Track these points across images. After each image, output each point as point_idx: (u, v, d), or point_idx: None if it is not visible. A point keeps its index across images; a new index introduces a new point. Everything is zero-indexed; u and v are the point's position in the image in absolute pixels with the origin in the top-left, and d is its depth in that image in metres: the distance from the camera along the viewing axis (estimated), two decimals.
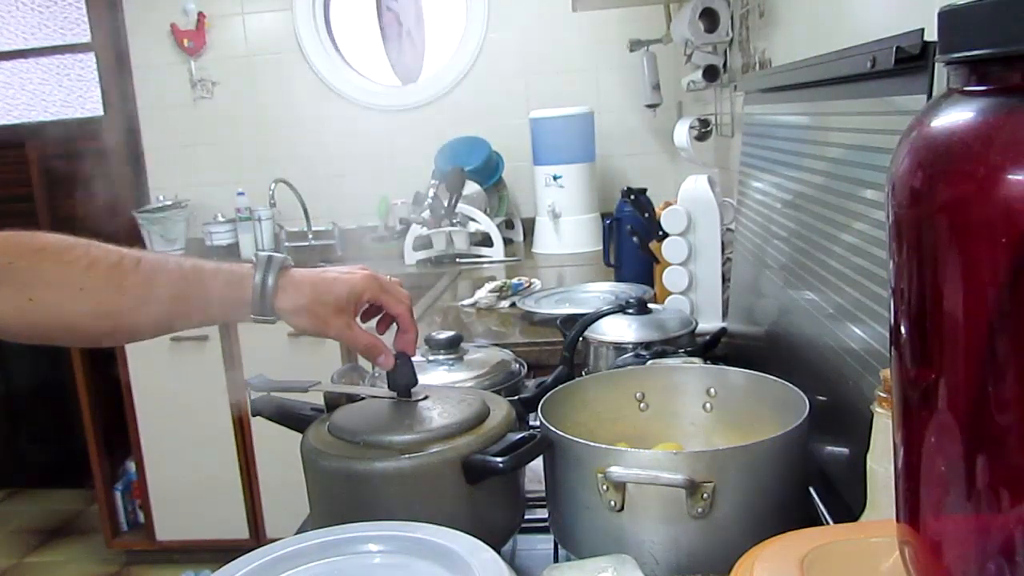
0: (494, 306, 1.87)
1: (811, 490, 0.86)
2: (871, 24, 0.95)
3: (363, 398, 0.88)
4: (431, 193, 2.59)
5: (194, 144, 3.11)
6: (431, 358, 1.11)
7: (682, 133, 2.08)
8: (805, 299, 0.99)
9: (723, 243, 1.48)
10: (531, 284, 1.99)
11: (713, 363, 1.02)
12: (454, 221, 2.59)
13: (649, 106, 2.55)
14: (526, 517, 0.84)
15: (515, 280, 1.98)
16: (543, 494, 0.83)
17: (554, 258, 2.56)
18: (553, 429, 0.77)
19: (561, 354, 1.14)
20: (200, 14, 3.00)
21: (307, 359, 2.41)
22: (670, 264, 1.48)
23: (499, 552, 0.63)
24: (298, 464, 0.81)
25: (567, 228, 2.60)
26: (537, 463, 0.81)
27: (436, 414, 0.80)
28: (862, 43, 0.82)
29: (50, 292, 0.74)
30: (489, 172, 2.76)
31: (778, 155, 1.16)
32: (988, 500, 0.37)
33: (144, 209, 3.02)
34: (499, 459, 0.73)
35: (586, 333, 1.19)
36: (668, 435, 0.91)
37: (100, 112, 3.17)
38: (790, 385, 0.82)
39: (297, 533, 0.77)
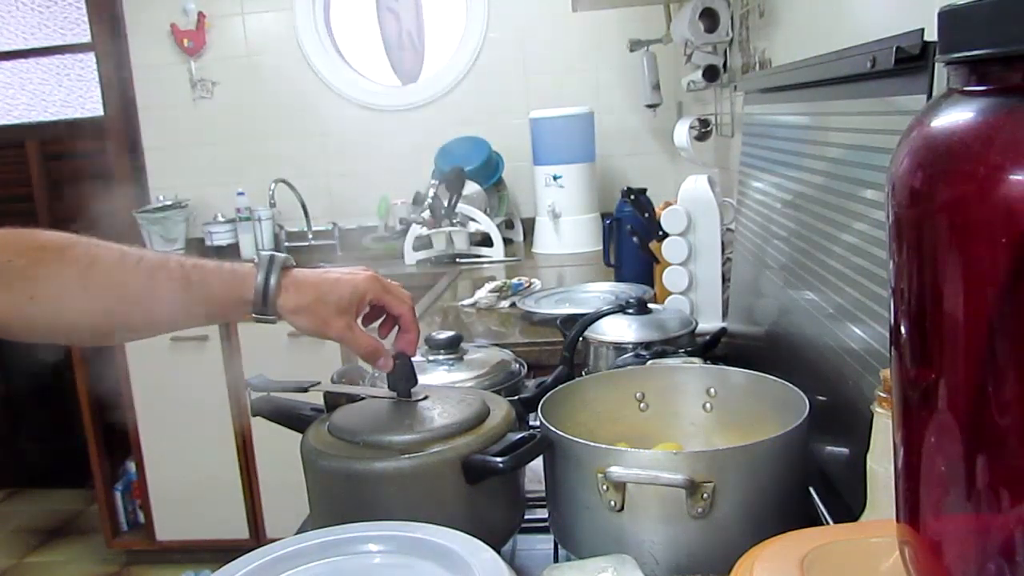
0: (494, 306, 1.87)
1: (811, 490, 0.86)
2: (871, 24, 0.95)
3: (363, 398, 0.88)
4: (431, 193, 2.59)
5: (194, 144, 3.11)
6: (431, 358, 1.11)
7: (682, 133, 2.08)
8: (805, 299, 0.99)
9: (723, 243, 1.48)
10: (531, 284, 1.99)
11: (713, 363, 1.02)
12: (454, 221, 2.59)
13: (649, 106, 2.55)
14: (526, 517, 0.84)
15: (515, 280, 1.98)
16: (543, 494, 0.83)
17: (554, 258, 2.56)
18: (553, 429, 0.77)
19: (561, 354, 1.14)
20: (200, 14, 3.00)
21: (307, 359, 2.40)
22: (670, 264, 1.48)
23: (499, 552, 0.63)
24: (298, 464, 0.81)
25: (567, 228, 2.60)
26: (537, 463, 0.81)
27: (436, 414, 0.80)
28: (862, 43, 0.82)
29: (51, 291, 0.73)
30: (489, 172, 2.76)
31: (778, 155, 1.16)
32: (988, 500, 0.37)
33: (144, 209, 3.02)
34: (499, 459, 0.73)
35: (586, 333, 1.19)
36: (668, 435, 0.91)
37: (100, 112, 3.17)
38: (790, 385, 0.82)
39: (297, 533, 0.77)
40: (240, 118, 3.07)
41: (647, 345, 1.16)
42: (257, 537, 2.65)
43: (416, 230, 2.64)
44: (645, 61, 2.49)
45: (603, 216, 2.12)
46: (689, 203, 1.46)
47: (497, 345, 1.28)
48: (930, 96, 0.69)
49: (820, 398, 0.86)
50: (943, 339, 0.38)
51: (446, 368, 1.10)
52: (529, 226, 2.80)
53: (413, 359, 0.86)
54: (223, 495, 2.64)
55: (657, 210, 1.60)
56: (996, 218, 0.34)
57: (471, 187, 2.67)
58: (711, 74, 1.86)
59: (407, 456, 0.74)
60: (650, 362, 1.03)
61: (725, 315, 1.46)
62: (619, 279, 1.80)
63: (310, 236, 3.05)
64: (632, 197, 1.61)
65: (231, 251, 3.00)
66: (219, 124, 3.08)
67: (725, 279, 1.48)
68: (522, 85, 2.95)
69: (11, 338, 0.74)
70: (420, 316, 1.83)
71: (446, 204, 2.58)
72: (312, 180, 3.05)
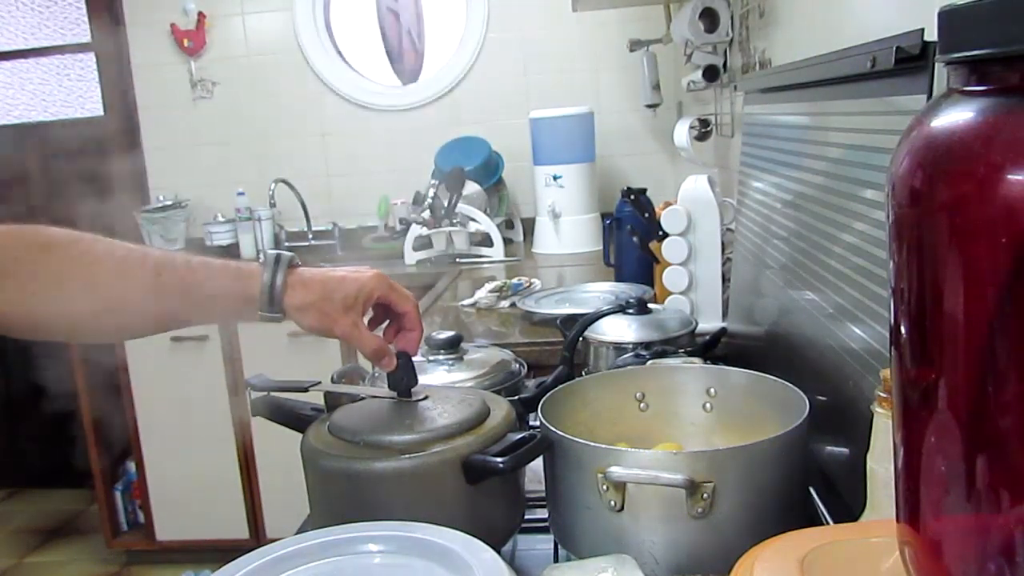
0: (494, 306, 1.87)
1: (811, 490, 0.86)
2: (871, 24, 0.95)
3: (363, 398, 0.88)
4: (431, 193, 2.60)
5: (194, 144, 3.11)
6: (431, 358, 1.11)
7: (682, 133, 2.08)
8: (805, 299, 0.99)
9: (723, 243, 1.48)
10: (531, 284, 1.99)
11: (713, 363, 1.02)
12: (454, 221, 2.59)
13: (649, 106, 2.55)
14: (526, 517, 0.84)
15: (515, 280, 1.98)
16: (543, 494, 0.83)
17: (554, 258, 2.56)
18: (553, 429, 0.77)
19: (561, 354, 1.14)
20: (200, 14, 3.00)
21: (307, 359, 2.41)
22: (670, 264, 1.48)
23: (499, 552, 0.63)
24: (298, 464, 0.81)
25: (567, 228, 2.60)
26: (537, 463, 0.81)
27: (436, 414, 0.80)
28: (862, 43, 0.82)
29: (54, 287, 0.73)
30: (489, 172, 2.76)
31: (778, 155, 1.16)
32: (988, 500, 0.37)
33: (144, 209, 3.02)
34: (499, 459, 0.73)
35: (586, 333, 1.19)
36: (668, 435, 0.91)
37: (100, 112, 3.17)
38: (790, 385, 0.82)
39: (297, 533, 0.77)
40: (240, 118, 3.07)
41: (647, 345, 1.16)
42: (257, 537, 2.65)
43: (416, 230, 2.64)
44: (645, 61, 2.49)
45: (603, 216, 2.12)
46: (689, 203, 1.46)
47: (497, 345, 1.28)
48: (930, 96, 0.69)
49: (820, 398, 0.86)
50: (943, 339, 0.38)
51: (446, 368, 1.10)
52: (529, 226, 2.80)
53: (413, 359, 0.86)
54: (223, 495, 2.64)
55: (657, 210, 1.60)
56: (996, 218, 0.34)
57: (471, 187, 2.67)
58: (711, 74, 1.86)
59: (407, 456, 0.74)
60: (650, 362, 1.03)
61: (725, 315, 1.46)
62: (619, 279, 1.80)
63: (310, 236, 3.05)
64: (632, 197, 1.61)
65: (231, 251, 3.00)
66: (219, 124, 3.08)
67: (725, 279, 1.48)
68: (522, 85, 2.95)
69: (14, 335, 0.73)
70: (420, 316, 1.83)
71: (446, 204, 2.58)
72: (312, 180, 3.05)
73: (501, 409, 0.83)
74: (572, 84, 2.91)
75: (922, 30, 0.70)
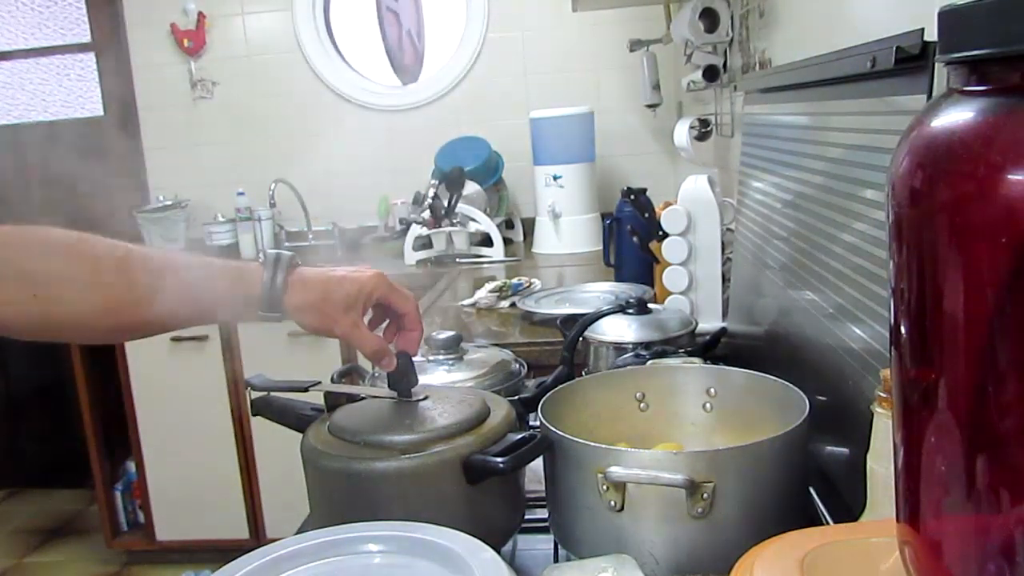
0: (494, 306, 1.87)
1: (811, 490, 0.86)
2: (871, 24, 0.95)
3: (363, 398, 0.88)
4: (431, 193, 2.60)
5: (194, 144, 3.11)
6: (431, 358, 1.11)
7: (682, 133, 2.08)
8: (805, 299, 0.99)
9: (723, 243, 1.48)
10: (531, 284, 1.99)
11: (713, 363, 1.02)
12: (454, 221, 2.59)
13: (649, 106, 2.55)
14: (526, 517, 0.84)
15: (515, 280, 1.97)
16: (543, 494, 0.83)
17: (554, 258, 2.56)
18: (553, 429, 0.77)
19: (561, 354, 1.14)
20: (200, 14, 3.01)
21: (307, 359, 2.41)
22: (670, 264, 1.48)
23: (499, 552, 0.63)
24: (298, 464, 0.81)
25: (567, 228, 2.60)
26: (537, 463, 0.81)
27: (436, 414, 0.80)
28: (862, 43, 0.82)
29: (55, 288, 0.72)
30: (489, 172, 2.76)
31: (778, 155, 1.16)
32: (988, 500, 0.37)
33: (144, 209, 3.02)
34: (499, 459, 0.73)
35: (586, 333, 1.19)
36: (668, 435, 0.91)
37: (100, 112, 3.17)
38: (790, 385, 0.82)
39: (297, 533, 0.77)
40: (240, 118, 3.07)
41: (647, 345, 1.16)
42: (257, 537, 2.65)
43: (416, 230, 2.64)
44: (645, 61, 2.49)
45: (603, 216, 2.12)
46: (689, 203, 1.46)
47: (497, 345, 1.28)
48: (930, 96, 0.69)
49: (820, 398, 0.86)
50: (943, 339, 0.38)
51: (446, 368, 1.10)
52: (529, 226, 2.80)
53: (414, 359, 0.86)
54: (223, 495, 2.64)
55: (657, 210, 1.60)
56: (996, 218, 0.34)
57: (471, 187, 2.67)
58: (711, 74, 1.85)
59: (407, 456, 0.74)
60: (650, 362, 1.03)
61: (725, 315, 1.46)
62: (619, 279, 1.80)
63: (310, 236, 3.05)
64: (632, 197, 1.61)
65: (231, 251, 3.00)
66: (219, 124, 3.08)
67: (725, 279, 1.48)
68: (522, 85, 2.95)
69: (14, 336, 0.73)
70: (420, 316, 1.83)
71: (446, 204, 2.58)
72: (312, 180, 3.05)
73: (501, 409, 0.83)
74: (572, 84, 2.91)
75: (922, 30, 0.70)
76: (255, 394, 0.90)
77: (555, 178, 2.58)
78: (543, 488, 0.82)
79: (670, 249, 1.47)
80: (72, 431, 2.93)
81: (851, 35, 1.00)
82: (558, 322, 1.37)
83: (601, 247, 2.03)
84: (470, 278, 2.33)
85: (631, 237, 1.63)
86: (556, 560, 0.83)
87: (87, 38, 3.13)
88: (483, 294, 1.90)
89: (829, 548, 0.55)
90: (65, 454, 3.24)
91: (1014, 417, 0.35)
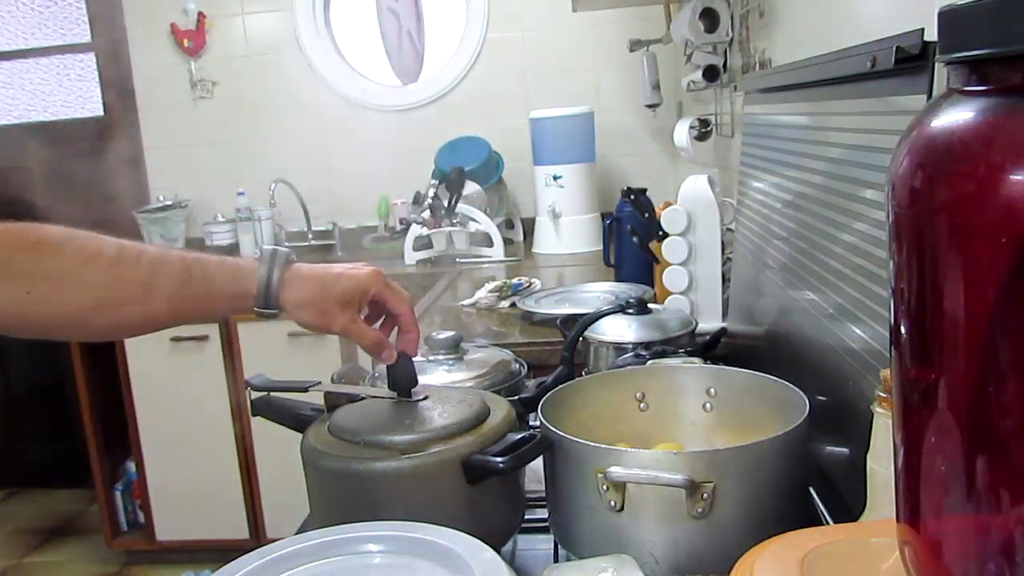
0: (494, 306, 1.87)
1: (811, 490, 0.86)
2: (871, 24, 0.95)
3: (363, 398, 0.88)
4: (431, 193, 2.59)
5: (194, 144, 3.11)
6: (431, 358, 1.11)
7: (682, 133, 2.08)
8: (805, 299, 0.99)
9: (723, 243, 1.48)
10: (531, 284, 1.99)
11: (713, 363, 1.02)
12: (454, 221, 2.59)
13: (649, 106, 2.55)
14: (526, 517, 0.84)
15: (515, 280, 1.97)
16: (543, 494, 0.83)
17: (554, 258, 2.56)
18: (553, 429, 0.77)
19: (561, 354, 1.14)
20: (200, 14, 3.00)
21: (307, 359, 2.41)
22: (670, 264, 1.48)
23: (499, 552, 0.63)
24: (298, 464, 0.81)
25: (567, 228, 2.60)
26: (537, 463, 0.81)
27: (436, 414, 0.80)
28: (862, 43, 0.82)
29: (49, 285, 0.72)
30: (489, 172, 2.76)
31: (778, 155, 1.16)
32: (988, 500, 0.37)
33: (144, 209, 3.02)
34: (499, 459, 0.73)
35: (586, 333, 1.19)
36: (668, 435, 0.91)
37: (100, 112, 3.17)
38: (790, 385, 0.82)
39: (297, 533, 0.77)
40: (240, 118, 3.07)
41: (647, 345, 1.16)
42: (257, 537, 2.65)
43: (416, 230, 2.64)
44: (645, 61, 2.49)
45: (603, 216, 2.12)
46: (689, 203, 1.46)
47: (497, 345, 1.28)
48: (930, 96, 0.69)
49: (820, 398, 0.86)
50: (943, 339, 0.38)
51: (446, 368, 1.10)
52: (529, 226, 2.80)
53: (413, 359, 0.86)
54: (223, 495, 2.64)
55: (657, 210, 1.60)
56: (996, 218, 0.34)
57: (471, 187, 2.67)
58: (711, 74, 1.85)
59: (407, 456, 0.74)
60: (650, 362, 1.03)
61: (725, 315, 1.46)
62: (619, 279, 1.80)
63: (310, 236, 3.05)
64: (632, 197, 1.61)
65: (231, 251, 3.00)
66: (219, 124, 3.08)
67: (725, 279, 1.48)
68: (522, 85, 2.95)
69: (9, 333, 0.73)
70: (420, 316, 1.83)
71: (446, 204, 2.58)
72: (312, 180, 3.05)
73: (501, 409, 0.83)
74: (572, 84, 2.91)
75: (922, 30, 0.70)
76: (255, 394, 0.90)
77: (555, 178, 2.58)
78: (543, 488, 0.83)
79: (670, 249, 1.47)
80: (72, 431, 2.93)
81: (851, 35, 1.00)
82: (558, 322, 1.37)
83: (601, 247, 2.03)
84: (470, 278, 2.33)
85: (631, 237, 1.63)
86: (556, 560, 0.83)
87: (87, 38, 3.13)
88: (483, 294, 1.90)
89: (829, 548, 0.55)
90: (65, 454, 3.24)
91: (1014, 417, 0.35)
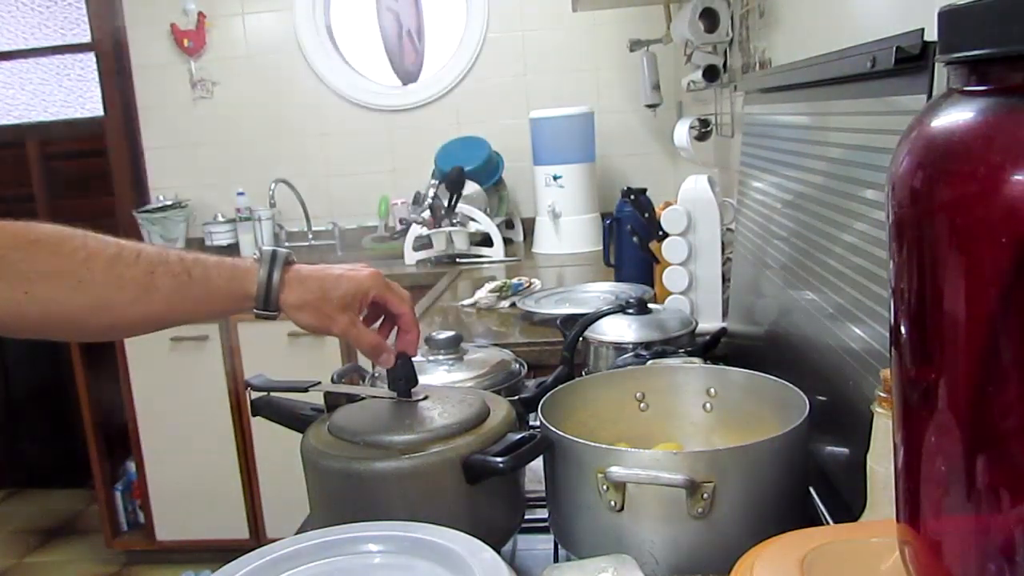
0: (494, 306, 1.87)
1: (811, 490, 0.86)
2: (871, 24, 0.95)
3: (363, 398, 0.88)
4: (431, 193, 2.59)
5: (194, 144, 3.11)
6: (431, 358, 1.11)
7: (682, 133, 2.08)
8: (805, 299, 0.99)
9: (723, 243, 1.48)
10: (531, 284, 1.99)
11: (713, 363, 1.02)
12: (454, 221, 2.59)
13: (649, 106, 2.55)
14: (526, 517, 0.84)
15: (515, 280, 1.97)
16: (543, 494, 0.83)
17: (554, 258, 2.56)
18: (553, 429, 0.77)
19: (561, 354, 1.14)
20: (200, 14, 3.00)
21: (307, 359, 2.41)
22: (670, 264, 1.48)
23: (499, 552, 0.63)
24: (298, 464, 0.81)
25: (567, 228, 2.60)
26: (537, 463, 0.81)
27: (436, 414, 0.80)
28: (862, 43, 0.82)
29: (46, 285, 0.72)
30: (489, 172, 2.76)
31: (778, 155, 1.16)
32: (988, 500, 0.37)
33: (144, 209, 3.02)
34: (499, 459, 0.73)
35: (586, 333, 1.19)
36: (668, 435, 0.91)
37: (100, 112, 3.17)
38: (790, 385, 0.82)
39: (297, 533, 0.77)
40: (240, 118, 3.07)
41: (647, 345, 1.16)
42: (257, 537, 2.65)
43: (416, 230, 2.64)
44: (645, 61, 2.49)
45: (603, 216, 2.12)
46: (689, 203, 1.46)
47: (497, 345, 1.28)
48: (930, 96, 0.69)
49: (820, 398, 0.86)
50: (943, 339, 0.38)
51: (446, 368, 1.10)
52: (529, 226, 2.80)
53: (413, 359, 0.86)
54: (223, 495, 2.64)
55: (657, 210, 1.60)
56: (996, 218, 0.34)
57: (471, 187, 2.67)
58: (711, 74, 1.85)
59: (407, 456, 0.74)
60: (650, 362, 1.03)
61: (725, 315, 1.46)
62: (619, 279, 1.80)
63: (310, 236, 3.05)
64: (632, 197, 1.61)
65: (231, 251, 3.00)
66: (219, 124, 3.08)
67: (725, 279, 1.48)
68: (522, 85, 2.95)
69: (8, 334, 0.73)
70: (420, 316, 1.83)
71: (446, 204, 2.58)
72: (312, 180, 3.05)
73: (501, 409, 0.83)
74: (572, 84, 2.91)
75: (922, 30, 0.70)
76: (255, 394, 0.90)
77: (555, 178, 2.58)
78: (543, 488, 0.83)
79: (670, 249, 1.47)
80: (72, 431, 2.93)
81: (851, 35, 1.00)
82: (558, 322, 1.37)
83: (601, 247, 2.03)
84: (470, 278, 2.33)
85: (631, 237, 1.63)
86: (556, 560, 0.83)
87: (87, 38, 3.13)
88: (483, 294, 1.90)
89: (829, 548, 0.55)
90: (65, 454, 3.24)
91: (1014, 417, 0.35)
